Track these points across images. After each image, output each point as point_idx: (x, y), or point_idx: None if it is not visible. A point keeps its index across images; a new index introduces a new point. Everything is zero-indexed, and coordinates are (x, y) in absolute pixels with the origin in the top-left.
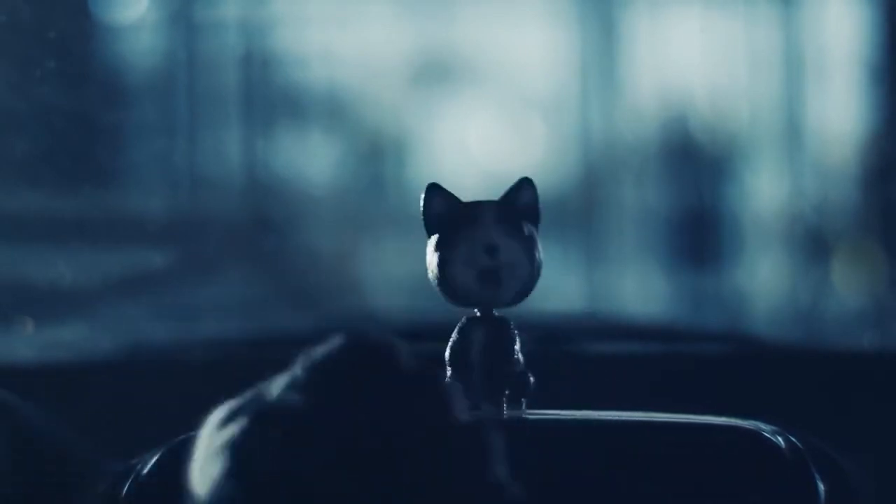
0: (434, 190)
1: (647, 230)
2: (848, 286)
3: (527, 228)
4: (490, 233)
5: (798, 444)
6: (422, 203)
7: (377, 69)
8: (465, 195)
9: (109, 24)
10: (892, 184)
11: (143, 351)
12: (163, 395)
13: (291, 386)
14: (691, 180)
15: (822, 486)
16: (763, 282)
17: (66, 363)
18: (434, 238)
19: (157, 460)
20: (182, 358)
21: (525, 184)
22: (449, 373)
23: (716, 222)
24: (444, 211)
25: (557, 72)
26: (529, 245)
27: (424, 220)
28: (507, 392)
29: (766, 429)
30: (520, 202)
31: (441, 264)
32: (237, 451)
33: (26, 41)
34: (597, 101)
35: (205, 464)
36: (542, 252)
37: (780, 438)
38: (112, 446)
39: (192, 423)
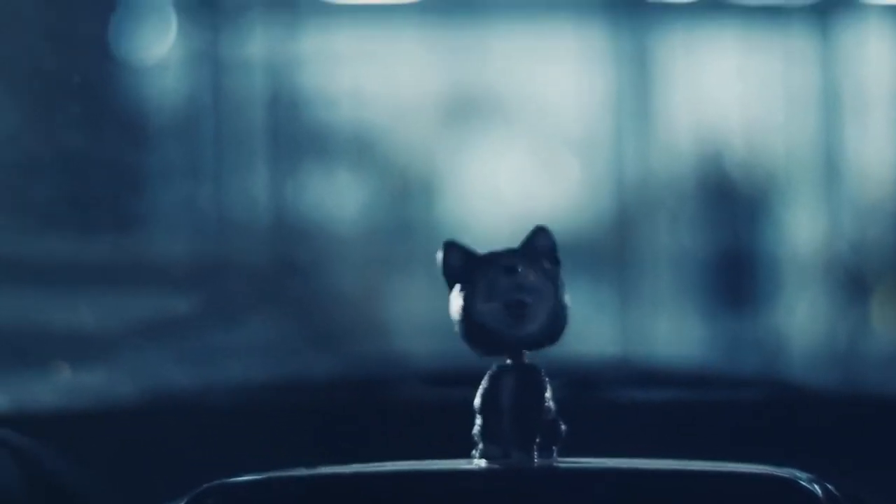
0: (451, 247)
1: (682, 271)
2: (887, 328)
3: (549, 269)
4: (512, 259)
5: (835, 492)
6: (440, 261)
7: (406, 107)
8: (495, 236)
9: (133, 66)
10: None
11: (166, 396)
12: (186, 442)
13: None
14: (727, 220)
15: None
16: (800, 324)
17: (87, 408)
18: (456, 287)
19: None
20: (206, 403)
21: (540, 231)
22: (478, 421)
23: (751, 263)
24: (463, 263)
25: (591, 109)
26: (553, 280)
27: (445, 275)
28: (537, 440)
29: (802, 477)
30: (538, 248)
31: (465, 305)
32: None
33: (49, 85)
34: (631, 139)
35: None
36: (570, 295)
37: (816, 487)
38: (134, 494)
39: (216, 469)
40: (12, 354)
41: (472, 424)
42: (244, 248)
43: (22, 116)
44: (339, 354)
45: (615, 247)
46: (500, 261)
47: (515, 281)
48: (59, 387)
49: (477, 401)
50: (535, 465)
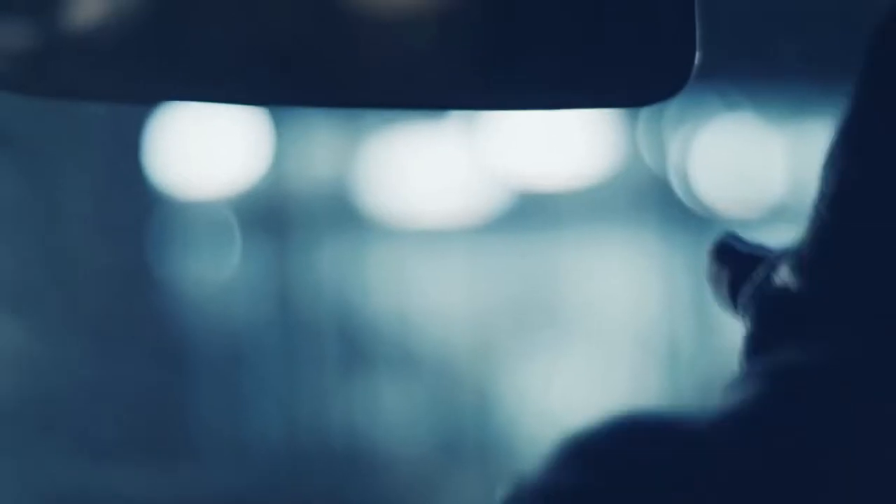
0: None
1: None
2: None
3: None
4: None
5: None
6: None
7: (459, 317)
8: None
9: (186, 293)
10: None
11: None
12: None
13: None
14: None
15: None
16: None
17: None
18: None
19: None
20: None
21: None
22: None
23: None
24: None
25: (648, 311)
26: None
27: None
28: None
29: None
30: None
31: None
32: None
33: (105, 317)
34: (689, 339)
35: None
36: None
37: None
38: None
39: None
40: None
41: None
42: (288, 475)
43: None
44: None
45: None
46: None
47: None
48: None
49: None
50: None
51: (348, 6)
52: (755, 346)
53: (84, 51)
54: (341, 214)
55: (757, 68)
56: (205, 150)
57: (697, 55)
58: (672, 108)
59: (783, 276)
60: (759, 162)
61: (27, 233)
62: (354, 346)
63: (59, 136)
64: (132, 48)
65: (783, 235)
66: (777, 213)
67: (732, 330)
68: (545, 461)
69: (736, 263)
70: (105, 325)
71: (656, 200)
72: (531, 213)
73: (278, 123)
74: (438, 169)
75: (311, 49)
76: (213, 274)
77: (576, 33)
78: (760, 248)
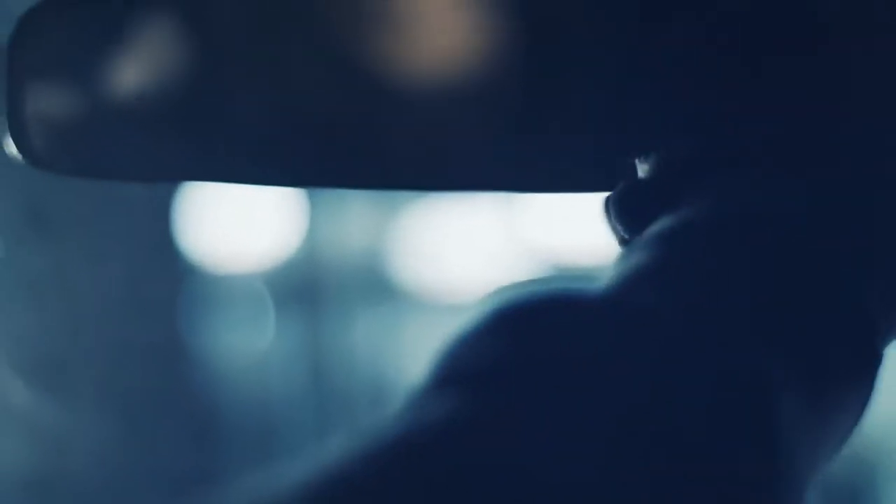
0: None
1: None
2: None
3: None
4: None
5: None
6: None
7: None
8: None
9: (219, 366)
10: None
11: None
12: None
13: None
14: None
15: None
16: None
17: None
18: None
19: None
20: None
21: None
22: None
23: None
24: None
25: None
26: None
27: None
28: None
29: None
30: None
31: None
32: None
33: (138, 391)
34: None
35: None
36: None
37: None
38: None
39: None
40: None
41: None
42: None
43: (113, 425)
44: None
45: None
46: None
47: None
48: None
49: None
50: None
51: (385, 88)
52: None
53: (119, 130)
54: (375, 287)
55: None
56: (238, 221)
57: None
58: None
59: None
60: None
61: (58, 308)
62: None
63: (91, 209)
64: (166, 129)
65: None
66: None
67: None
68: (472, 331)
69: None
70: (137, 399)
71: None
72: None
73: (312, 194)
74: (473, 241)
75: (348, 130)
76: (247, 347)
77: (616, 116)
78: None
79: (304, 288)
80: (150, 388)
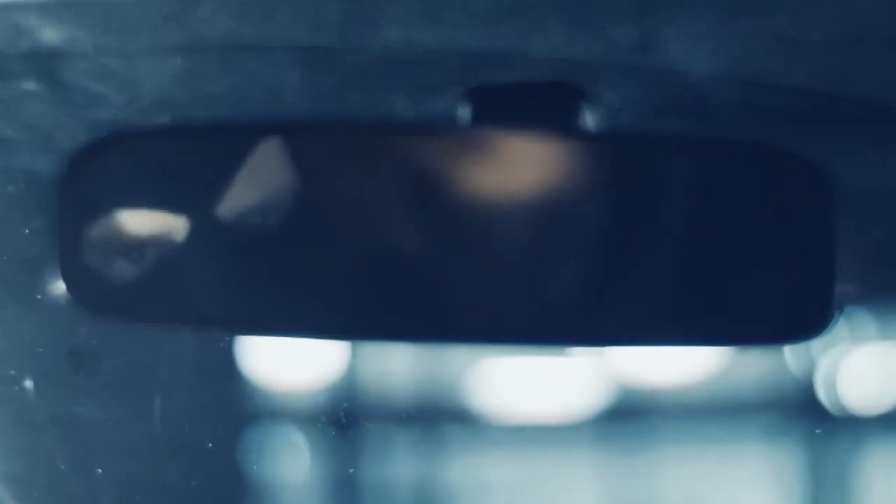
0: None
1: None
2: None
3: None
4: None
5: None
6: None
7: None
8: None
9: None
10: None
11: None
12: None
13: None
14: None
15: None
16: None
17: None
18: None
19: None
20: None
21: None
22: None
23: None
24: None
25: None
26: None
27: None
28: None
29: None
30: None
31: None
32: None
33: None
34: None
35: None
36: None
37: None
38: None
39: None
40: None
41: None
42: None
43: None
44: None
45: None
46: None
47: None
48: None
49: None
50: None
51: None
52: None
53: (172, 280)
54: (428, 408)
55: None
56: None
57: (850, 288)
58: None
59: None
60: None
61: (110, 454)
62: None
63: (137, 349)
64: (220, 280)
65: None
66: None
67: None
68: None
69: None
70: None
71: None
72: (638, 411)
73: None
74: (536, 361)
75: (412, 286)
76: (296, 472)
77: (712, 273)
78: None
79: (353, 410)
80: None
